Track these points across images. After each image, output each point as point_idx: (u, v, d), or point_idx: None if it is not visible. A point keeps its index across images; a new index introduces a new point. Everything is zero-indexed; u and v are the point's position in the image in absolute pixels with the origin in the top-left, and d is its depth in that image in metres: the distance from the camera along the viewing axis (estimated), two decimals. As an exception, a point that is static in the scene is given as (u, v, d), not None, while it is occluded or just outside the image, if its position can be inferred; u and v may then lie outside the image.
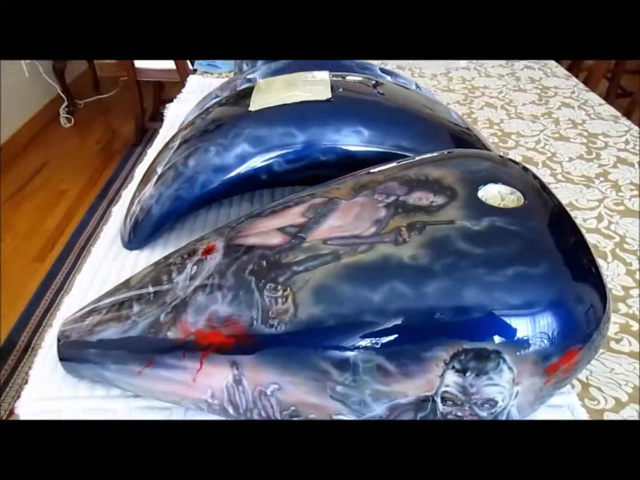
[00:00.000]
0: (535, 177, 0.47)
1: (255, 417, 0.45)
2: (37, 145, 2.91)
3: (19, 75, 2.90)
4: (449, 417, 0.40)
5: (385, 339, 0.38)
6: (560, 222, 0.42)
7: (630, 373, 0.52)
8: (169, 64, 2.31)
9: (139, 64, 2.53)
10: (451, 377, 0.37)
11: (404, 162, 0.52)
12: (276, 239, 0.46)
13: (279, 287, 0.42)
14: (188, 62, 1.97)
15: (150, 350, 0.46)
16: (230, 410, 0.46)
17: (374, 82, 0.73)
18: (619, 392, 0.50)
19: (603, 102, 1.06)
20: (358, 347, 0.38)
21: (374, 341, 0.38)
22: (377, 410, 0.40)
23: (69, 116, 3.16)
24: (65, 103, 3.17)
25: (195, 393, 0.46)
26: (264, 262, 0.44)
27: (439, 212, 0.42)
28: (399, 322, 0.38)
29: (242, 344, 0.42)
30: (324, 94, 0.68)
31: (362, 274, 0.40)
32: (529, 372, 0.37)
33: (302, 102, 0.67)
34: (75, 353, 0.51)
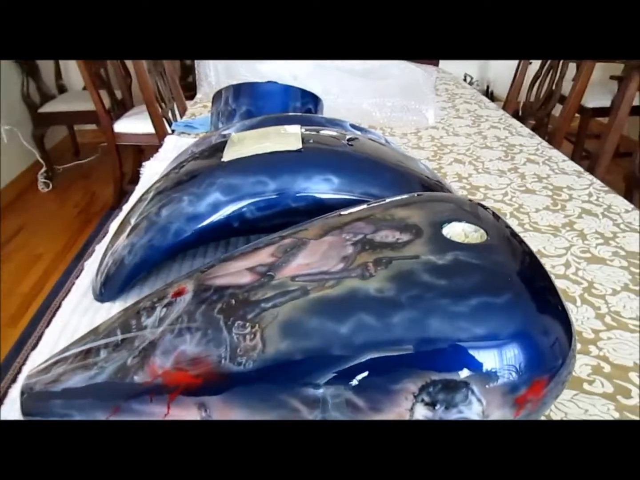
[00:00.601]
0: (501, 219, 0.49)
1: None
2: (14, 209, 2.90)
3: (-2, 141, 2.93)
4: (421, 454, 0.39)
5: (353, 372, 0.38)
6: (524, 258, 0.43)
7: (605, 414, 0.51)
8: (148, 128, 2.37)
9: (118, 128, 2.58)
10: (421, 411, 0.37)
11: (371, 205, 0.53)
12: (245, 278, 0.46)
13: (247, 324, 0.42)
14: (167, 126, 2.01)
15: (116, 397, 0.45)
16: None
17: (344, 135, 0.75)
18: (594, 432, 0.50)
19: (567, 158, 1.11)
20: (327, 382, 0.38)
21: (342, 375, 0.38)
22: (348, 450, 0.39)
23: (47, 181, 3.17)
24: (44, 168, 3.19)
25: (161, 440, 0.44)
26: (233, 301, 0.44)
27: (405, 248, 0.43)
28: (366, 354, 0.38)
29: (210, 384, 0.41)
30: (295, 144, 0.70)
31: (329, 308, 0.40)
32: (498, 403, 0.37)
33: (273, 152, 0.69)
34: (39, 405, 0.49)
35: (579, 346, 0.59)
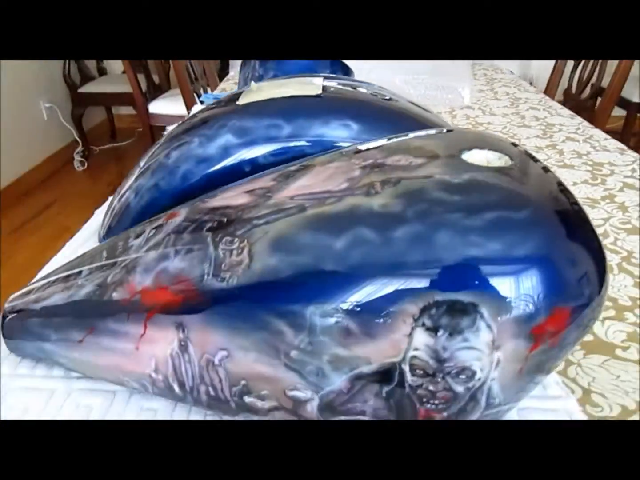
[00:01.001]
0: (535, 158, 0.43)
1: (203, 395, 0.40)
2: (48, 185, 2.94)
3: (38, 117, 2.98)
4: (419, 391, 0.34)
5: (346, 291, 0.33)
6: (553, 185, 0.38)
7: (636, 381, 0.45)
8: (182, 110, 2.37)
9: (153, 109, 2.59)
10: (421, 338, 0.32)
11: (389, 139, 0.48)
12: (242, 200, 0.42)
13: (236, 239, 0.38)
14: (198, 103, 2.00)
15: (94, 315, 0.41)
16: (176, 389, 0.40)
17: (366, 85, 0.71)
18: (626, 400, 0.44)
19: (608, 137, 1.04)
20: (316, 302, 0.33)
21: (334, 293, 0.33)
22: (337, 383, 0.35)
23: (83, 160, 3.22)
24: (81, 147, 3.24)
25: (138, 366, 0.41)
26: (225, 219, 0.40)
27: (418, 169, 0.38)
28: (363, 270, 0.33)
29: (189, 302, 0.37)
30: (315, 91, 0.66)
31: (326, 223, 0.35)
32: (511, 332, 0.32)
33: (290, 97, 0.65)
34: (18, 325, 0.46)
35: (613, 312, 0.53)
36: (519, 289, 0.31)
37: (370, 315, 0.32)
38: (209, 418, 0.43)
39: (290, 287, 0.34)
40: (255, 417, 0.40)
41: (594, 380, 0.46)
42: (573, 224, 0.34)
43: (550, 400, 0.44)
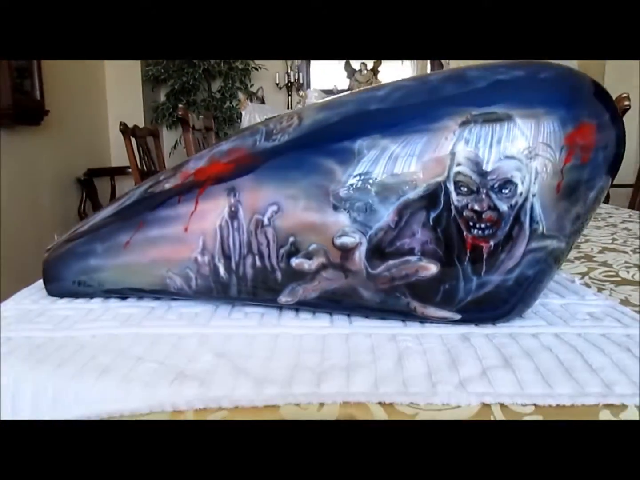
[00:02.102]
0: None
1: (249, 270, 0.40)
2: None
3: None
4: (466, 213, 0.35)
5: (390, 120, 0.37)
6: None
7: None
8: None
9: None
10: (463, 152, 0.35)
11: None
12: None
13: (285, 117, 0.42)
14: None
15: (143, 211, 0.43)
16: (221, 270, 0.41)
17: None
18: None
19: None
20: (362, 134, 0.37)
21: (378, 125, 0.37)
22: (385, 217, 0.36)
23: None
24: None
25: (184, 251, 0.42)
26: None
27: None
28: (403, 101, 0.37)
29: (241, 166, 0.40)
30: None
31: (367, 90, 0.40)
32: (545, 137, 0.34)
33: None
34: (61, 254, 0.47)
35: None
36: (547, 101, 0.35)
37: (413, 136, 0.36)
38: (250, 314, 0.42)
39: (338, 127, 0.38)
40: (301, 290, 0.40)
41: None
42: (590, 80, 0.39)
43: (590, 300, 0.45)
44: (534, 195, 0.35)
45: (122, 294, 0.47)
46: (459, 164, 0.35)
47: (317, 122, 0.39)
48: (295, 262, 0.39)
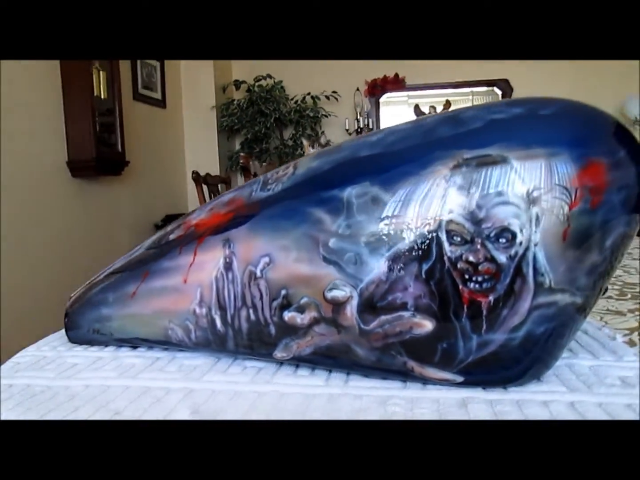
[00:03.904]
0: None
1: (244, 323, 0.39)
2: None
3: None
4: (460, 265, 0.32)
5: (379, 167, 0.35)
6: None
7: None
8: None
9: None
10: (454, 198, 0.32)
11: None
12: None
13: (281, 168, 0.41)
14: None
15: (148, 262, 0.44)
16: (218, 323, 0.40)
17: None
18: None
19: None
20: (352, 182, 0.35)
21: (369, 171, 0.35)
22: (376, 269, 0.34)
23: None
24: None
25: (184, 302, 0.41)
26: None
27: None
28: (394, 147, 0.35)
29: (237, 216, 0.40)
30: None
31: (363, 136, 0.39)
32: (546, 182, 0.31)
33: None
34: (80, 302, 0.49)
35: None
36: (546, 137, 0.32)
37: (403, 183, 0.33)
38: (247, 369, 0.41)
39: (329, 175, 0.37)
40: (295, 345, 0.38)
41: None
42: (601, 113, 0.35)
43: (628, 361, 0.39)
44: (536, 245, 0.32)
45: (132, 343, 0.47)
46: (450, 212, 0.32)
47: (310, 170, 0.38)
48: (287, 315, 0.37)
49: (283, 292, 0.37)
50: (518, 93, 2.97)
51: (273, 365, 0.41)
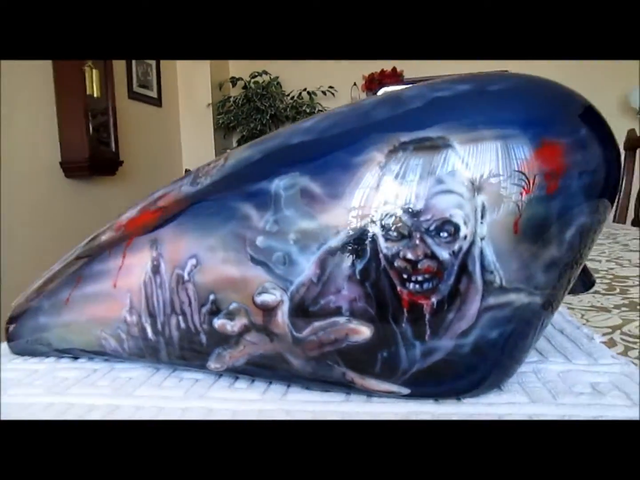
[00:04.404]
0: None
1: (174, 332, 0.35)
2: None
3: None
4: (397, 264, 0.28)
5: (309, 155, 0.31)
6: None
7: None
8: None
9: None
10: (390, 188, 0.28)
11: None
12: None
13: (219, 157, 0.37)
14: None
15: (82, 265, 0.40)
16: (149, 331, 0.37)
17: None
18: None
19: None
20: (280, 173, 0.31)
21: (297, 160, 0.31)
22: (306, 270, 0.30)
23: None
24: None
25: (115, 309, 0.38)
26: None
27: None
28: (326, 132, 0.31)
29: (166, 214, 0.36)
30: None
31: (299, 122, 0.35)
32: (493, 168, 0.27)
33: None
34: (17, 314, 0.45)
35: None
36: (494, 117, 0.28)
37: (335, 172, 0.30)
38: (183, 381, 0.37)
39: (258, 166, 0.33)
40: (227, 355, 0.34)
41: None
42: (562, 89, 0.31)
43: (604, 365, 0.35)
44: (482, 239, 0.28)
45: (72, 354, 0.43)
46: (385, 203, 0.29)
47: (239, 162, 0.34)
48: (217, 323, 0.34)
49: (211, 297, 0.33)
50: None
51: (211, 377, 0.37)
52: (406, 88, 0.31)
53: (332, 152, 0.30)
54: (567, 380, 0.33)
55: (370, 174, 0.29)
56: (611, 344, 0.40)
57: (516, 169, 0.27)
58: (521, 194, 0.27)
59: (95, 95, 2.14)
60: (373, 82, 3.13)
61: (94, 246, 0.40)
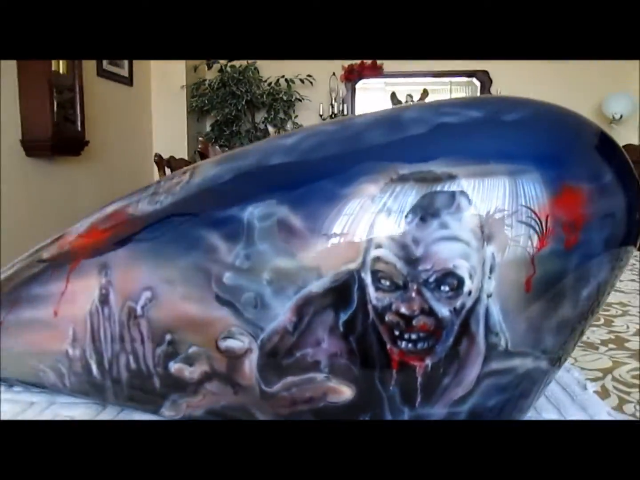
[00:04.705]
0: None
1: (124, 373, 0.31)
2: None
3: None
4: (389, 318, 0.24)
5: (293, 179, 0.26)
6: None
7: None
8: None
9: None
10: (384, 228, 0.24)
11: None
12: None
13: (184, 171, 0.32)
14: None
15: (19, 284, 0.35)
16: (94, 368, 0.32)
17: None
18: None
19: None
20: (255, 200, 0.26)
21: (277, 186, 0.27)
22: (281, 315, 0.26)
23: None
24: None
25: (54, 340, 0.33)
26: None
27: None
28: (312, 154, 0.27)
29: (117, 234, 0.31)
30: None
31: (279, 137, 0.30)
32: (504, 212, 0.23)
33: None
34: None
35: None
36: (509, 153, 0.24)
37: (319, 204, 0.25)
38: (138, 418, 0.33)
39: (228, 189, 0.28)
40: (184, 404, 0.30)
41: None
42: (581, 121, 0.27)
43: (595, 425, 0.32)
44: (489, 296, 0.24)
45: (8, 382, 0.38)
46: (378, 246, 0.24)
47: (206, 180, 0.29)
48: (174, 367, 0.29)
49: (168, 337, 0.29)
50: (497, 84, 2.89)
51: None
52: (406, 107, 0.27)
53: (317, 179, 0.26)
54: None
55: (362, 209, 0.24)
56: (604, 393, 0.37)
57: (532, 216, 0.23)
58: (537, 247, 0.23)
59: (61, 71, 2.03)
60: (352, 73, 3.07)
61: (34, 263, 0.35)
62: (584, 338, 0.49)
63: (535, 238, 0.23)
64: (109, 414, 0.34)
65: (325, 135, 0.27)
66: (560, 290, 0.24)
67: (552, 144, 0.24)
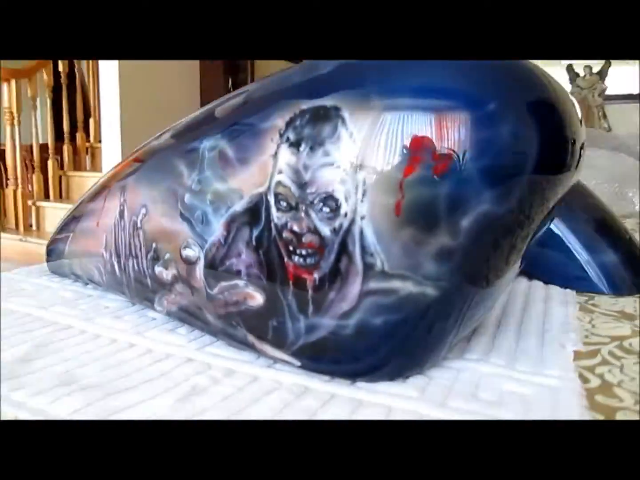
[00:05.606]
0: None
1: (131, 271, 0.39)
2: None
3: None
4: (285, 235, 0.28)
5: (234, 116, 0.31)
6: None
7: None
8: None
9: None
10: (285, 156, 0.28)
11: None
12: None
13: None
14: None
15: (86, 200, 0.45)
16: (116, 268, 0.40)
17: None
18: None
19: None
20: (209, 134, 0.32)
21: (223, 122, 0.32)
22: (217, 231, 0.31)
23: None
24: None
25: (96, 244, 0.42)
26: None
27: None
28: (253, 93, 0.31)
29: (134, 164, 0.39)
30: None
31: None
32: (377, 142, 0.25)
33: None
34: (53, 238, 0.52)
35: None
36: (387, 87, 0.26)
37: (245, 138, 0.30)
38: (145, 316, 0.40)
39: (199, 126, 0.34)
40: (165, 301, 0.37)
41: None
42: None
43: (536, 376, 0.31)
44: (363, 218, 0.26)
45: (79, 278, 0.49)
46: (280, 172, 0.28)
47: (190, 119, 0.35)
48: (157, 270, 0.36)
49: (154, 245, 0.36)
50: None
51: (163, 319, 0.40)
52: (337, 53, 0.30)
53: (248, 116, 0.30)
54: (483, 384, 0.30)
55: (271, 141, 0.28)
56: (590, 355, 0.35)
57: (399, 144, 0.25)
58: (404, 173, 0.25)
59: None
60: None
61: (98, 184, 0.45)
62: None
63: (403, 165, 0.25)
64: (135, 308, 0.43)
65: (268, 80, 0.32)
66: (431, 217, 0.25)
67: (430, 74, 0.25)
